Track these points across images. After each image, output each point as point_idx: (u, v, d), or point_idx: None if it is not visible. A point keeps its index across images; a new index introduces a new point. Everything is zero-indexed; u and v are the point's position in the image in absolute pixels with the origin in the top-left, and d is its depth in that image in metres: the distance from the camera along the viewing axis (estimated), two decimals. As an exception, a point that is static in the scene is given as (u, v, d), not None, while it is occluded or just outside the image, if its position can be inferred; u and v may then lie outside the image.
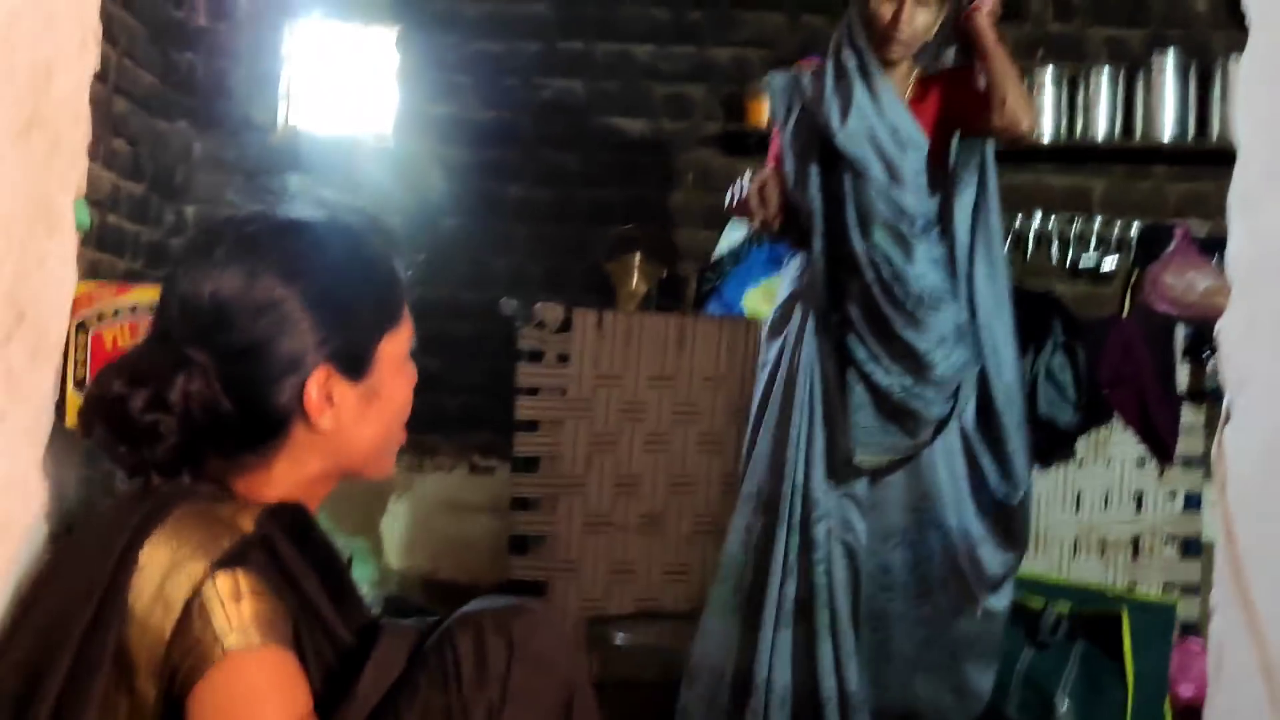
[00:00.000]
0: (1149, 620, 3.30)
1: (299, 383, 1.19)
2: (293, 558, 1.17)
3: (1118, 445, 3.83)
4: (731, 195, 2.77)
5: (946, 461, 2.77)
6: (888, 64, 2.75)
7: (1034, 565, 3.80)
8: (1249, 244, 1.05)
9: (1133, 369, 3.78)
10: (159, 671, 1.05)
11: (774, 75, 2.93)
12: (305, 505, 1.21)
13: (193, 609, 1.06)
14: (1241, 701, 1.00)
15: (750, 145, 4.27)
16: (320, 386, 1.20)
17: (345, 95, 4.32)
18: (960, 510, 2.78)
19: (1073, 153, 4.24)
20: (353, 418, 1.23)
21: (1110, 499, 3.87)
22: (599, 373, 3.70)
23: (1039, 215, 4.28)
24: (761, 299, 4.09)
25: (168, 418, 1.14)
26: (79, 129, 1.11)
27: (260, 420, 1.19)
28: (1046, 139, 4.19)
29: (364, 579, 3.70)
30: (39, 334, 1.09)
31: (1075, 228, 4.28)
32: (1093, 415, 3.74)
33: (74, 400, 3.01)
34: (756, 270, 4.12)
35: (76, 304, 3.06)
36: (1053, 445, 3.75)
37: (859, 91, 2.74)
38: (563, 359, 3.70)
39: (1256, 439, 1.01)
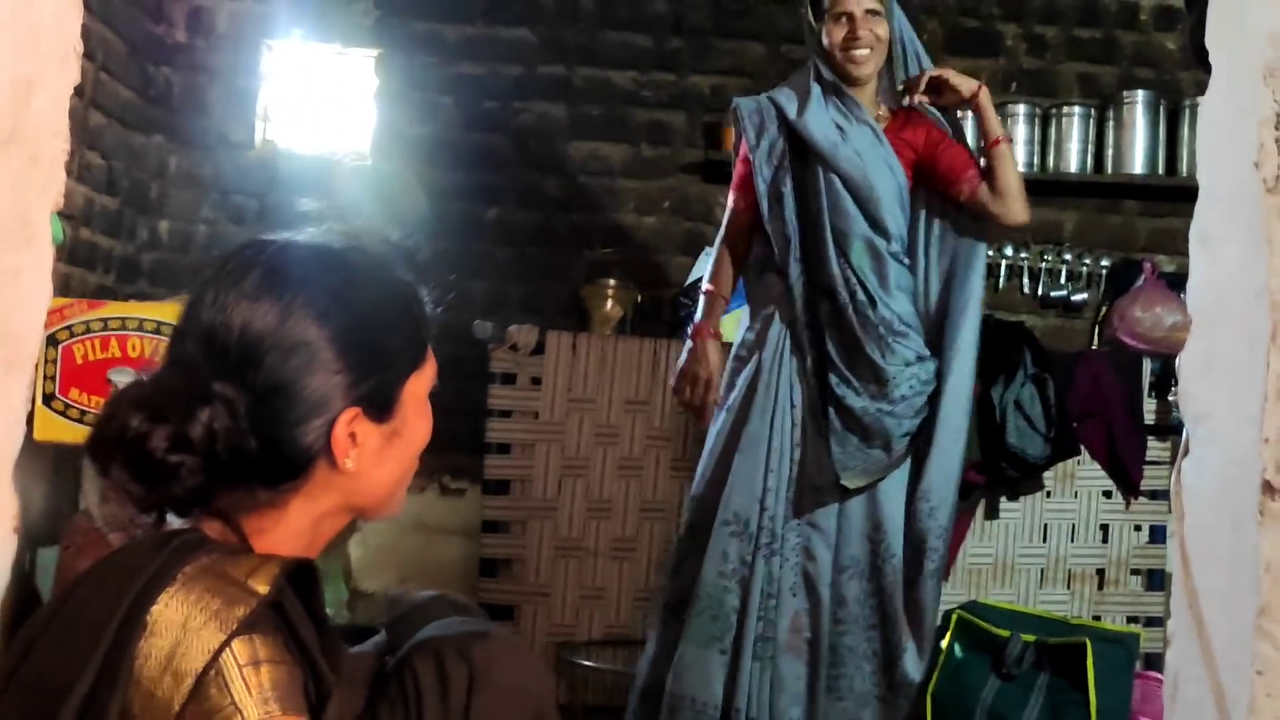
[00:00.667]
0: (1113, 652, 3.32)
1: (326, 424, 1.15)
2: (299, 615, 1.13)
3: (1085, 478, 3.87)
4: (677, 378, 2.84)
5: (898, 489, 2.79)
6: (857, 83, 2.80)
7: (1000, 595, 3.83)
8: (1209, 282, 1.07)
9: (1101, 402, 3.82)
10: None
11: (741, 100, 2.95)
12: (313, 563, 1.16)
13: (207, 679, 1.02)
14: (1196, 730, 1.02)
15: (729, 173, 4.29)
16: (347, 427, 1.17)
17: (323, 114, 4.32)
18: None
19: (1044, 186, 4.29)
20: (374, 458, 1.20)
21: (1077, 531, 3.90)
22: (572, 396, 3.71)
23: (1010, 247, 4.32)
24: (736, 326, 4.11)
25: (191, 458, 1.09)
26: (57, 143, 1.11)
27: (284, 460, 1.15)
28: (1020, 170, 4.23)
29: (333, 601, 3.68)
30: (13, 347, 1.09)
31: (1046, 260, 4.32)
32: (1061, 447, 3.77)
33: (42, 414, 3.00)
34: (731, 297, 4.14)
35: (49, 319, 3.04)
36: (1022, 477, 3.78)
37: (843, 116, 2.79)
38: (535, 382, 3.71)
39: (1213, 473, 1.03)
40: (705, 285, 2.96)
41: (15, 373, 1.09)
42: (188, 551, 1.09)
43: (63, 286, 3.52)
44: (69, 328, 3.02)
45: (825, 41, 2.77)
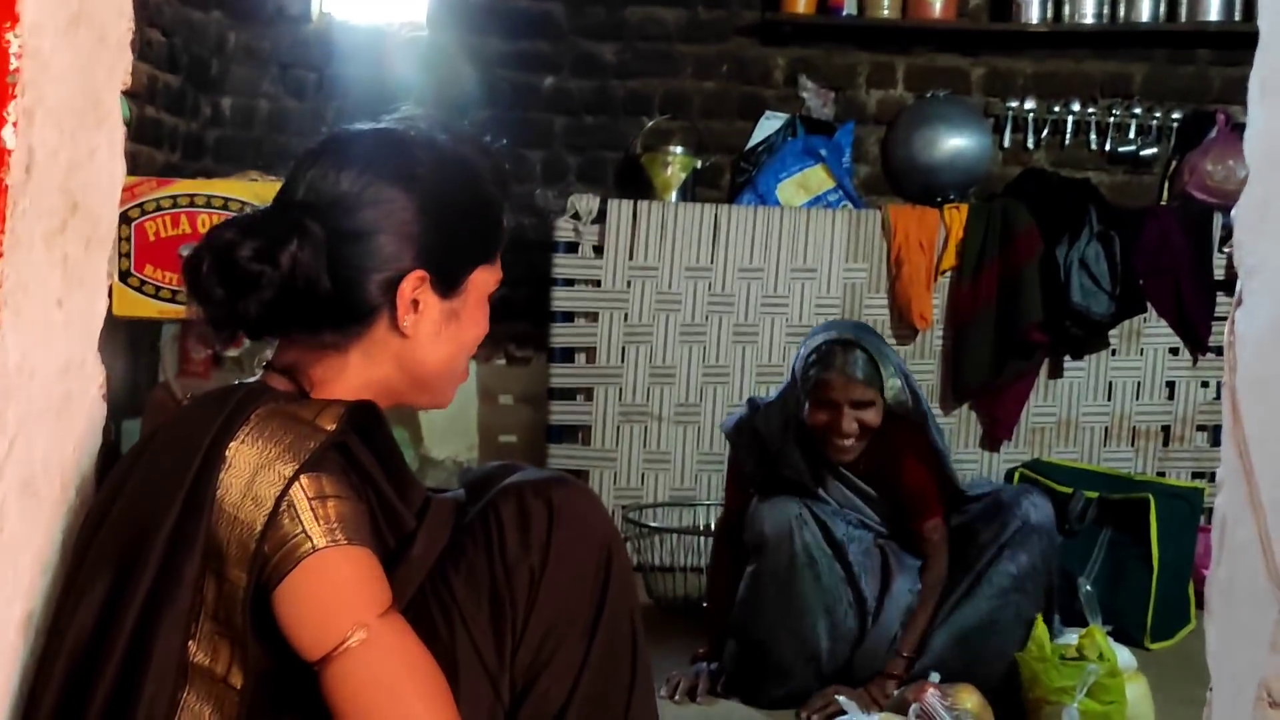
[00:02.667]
0: (1176, 507, 3.34)
1: (394, 278, 1.24)
2: (366, 457, 1.23)
3: (1151, 335, 3.84)
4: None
5: None
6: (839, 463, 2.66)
7: (1064, 454, 3.85)
8: (1266, 132, 1.06)
9: (1169, 258, 3.77)
10: (250, 561, 1.11)
11: (725, 422, 2.89)
12: (376, 404, 1.25)
13: (282, 506, 1.12)
14: (1240, 572, 1.05)
15: (786, 34, 4.23)
16: (413, 288, 1.25)
17: (379, -16, 4.30)
18: None
19: (1114, 37, 4.17)
20: (431, 330, 1.28)
21: (1142, 388, 3.89)
22: (633, 264, 3.73)
23: (1077, 102, 4.22)
24: (795, 189, 4.09)
25: (272, 272, 1.19)
26: (123, 23, 1.14)
27: (351, 305, 1.24)
28: (1088, 21, 4.11)
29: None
30: (91, 223, 1.13)
31: (1115, 115, 4.22)
32: (1127, 305, 3.74)
33: (119, 290, 3.08)
34: (791, 161, 4.12)
35: (119, 196, 3.11)
36: (1086, 335, 3.77)
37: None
38: (597, 251, 3.73)
39: (1264, 324, 1.03)
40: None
41: (95, 249, 1.14)
42: (256, 397, 1.19)
43: (131, 165, 3.56)
44: (140, 205, 3.08)
45: (806, 420, 2.60)
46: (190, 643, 1.13)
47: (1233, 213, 1.11)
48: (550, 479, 1.30)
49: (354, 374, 1.27)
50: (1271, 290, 1.01)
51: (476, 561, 1.24)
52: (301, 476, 1.13)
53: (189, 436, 1.15)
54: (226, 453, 1.13)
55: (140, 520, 1.13)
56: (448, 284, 1.28)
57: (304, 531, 1.12)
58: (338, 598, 1.12)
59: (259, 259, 1.19)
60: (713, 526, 3.69)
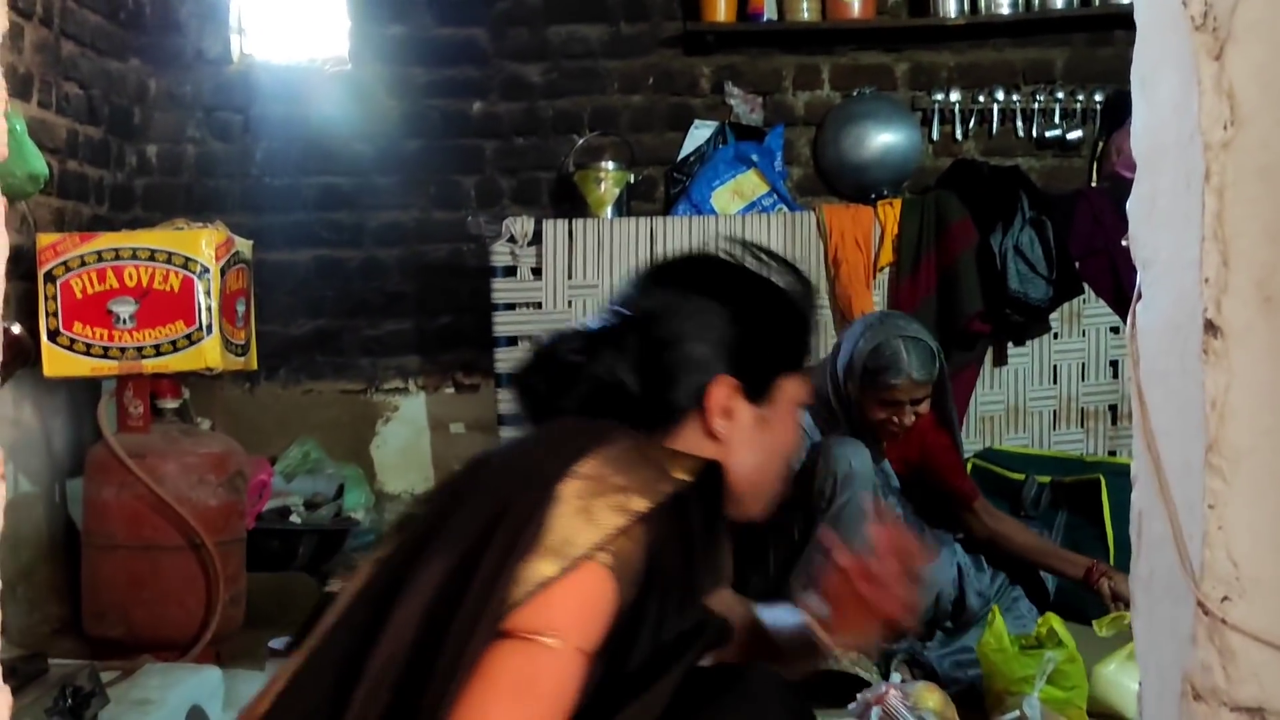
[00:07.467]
0: (1127, 485, 3.35)
1: (702, 383, 1.32)
2: (696, 522, 1.24)
3: (1091, 315, 3.87)
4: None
5: None
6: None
7: (1015, 440, 3.87)
8: (1148, 125, 1.06)
9: (1103, 238, 3.80)
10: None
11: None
12: (724, 471, 1.29)
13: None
14: (1159, 566, 1.05)
15: (709, 43, 4.24)
16: (723, 393, 1.32)
17: (298, 22, 4.28)
18: None
19: (1031, 25, 4.20)
20: (744, 437, 1.34)
21: (1087, 369, 3.91)
22: (573, 283, 3.72)
23: (1001, 91, 4.25)
24: (730, 196, 4.10)
25: (588, 372, 1.32)
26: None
27: (659, 406, 1.32)
28: (1005, 11, 4.14)
29: (359, 505, 3.75)
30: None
31: (1039, 101, 4.25)
32: (1064, 288, 3.76)
33: (49, 351, 3.03)
34: (723, 169, 4.12)
35: (42, 256, 3.06)
36: (1027, 321, 3.79)
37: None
38: (536, 272, 3.71)
39: (1163, 316, 1.04)
40: None
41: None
42: (611, 431, 1.24)
43: (58, 220, 3.53)
44: (64, 263, 3.03)
45: (862, 413, 2.77)
46: None
47: (1128, 206, 1.12)
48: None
49: None
50: (1164, 283, 1.01)
51: None
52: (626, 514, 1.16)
53: (552, 449, 1.22)
54: (578, 467, 1.17)
55: (499, 500, 1.18)
56: (758, 391, 1.34)
57: (592, 544, 1.14)
58: (570, 604, 1.13)
59: (574, 359, 1.33)
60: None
